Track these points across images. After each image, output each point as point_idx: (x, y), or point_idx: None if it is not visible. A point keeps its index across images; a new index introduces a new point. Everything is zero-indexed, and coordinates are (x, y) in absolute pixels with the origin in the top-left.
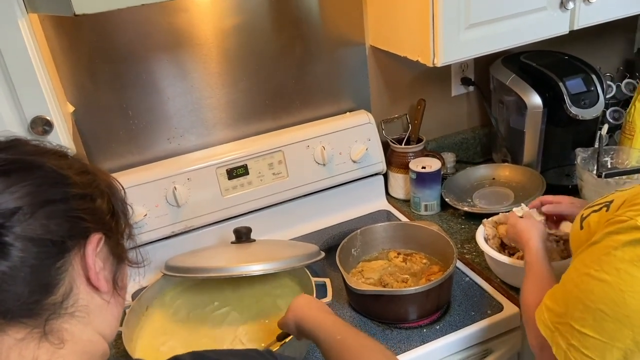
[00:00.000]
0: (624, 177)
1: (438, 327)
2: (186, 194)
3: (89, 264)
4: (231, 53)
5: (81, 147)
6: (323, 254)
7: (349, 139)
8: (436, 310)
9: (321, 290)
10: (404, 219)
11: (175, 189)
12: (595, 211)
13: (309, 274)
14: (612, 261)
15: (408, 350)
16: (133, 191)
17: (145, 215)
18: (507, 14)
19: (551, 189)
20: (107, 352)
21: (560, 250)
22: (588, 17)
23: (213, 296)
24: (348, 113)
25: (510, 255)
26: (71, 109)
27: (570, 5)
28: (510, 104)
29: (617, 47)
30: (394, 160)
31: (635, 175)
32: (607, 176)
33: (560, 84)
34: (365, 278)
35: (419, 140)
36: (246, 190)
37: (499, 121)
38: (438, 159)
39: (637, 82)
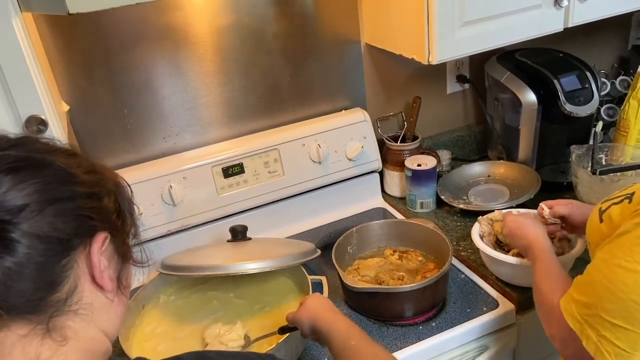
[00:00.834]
0: (618, 174)
1: (434, 324)
2: (182, 192)
3: (94, 263)
4: (226, 51)
5: (76, 147)
6: (319, 252)
7: (345, 136)
8: (432, 307)
9: (317, 288)
10: (399, 216)
11: (171, 187)
12: (615, 203)
13: (305, 271)
14: None
15: (404, 348)
16: None
17: (141, 214)
18: (501, 12)
19: (546, 186)
20: (109, 350)
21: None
22: (582, 14)
23: (209, 295)
24: (344, 111)
25: (506, 252)
26: (66, 108)
27: (565, 3)
28: (506, 102)
29: (611, 45)
30: (390, 158)
31: (630, 172)
32: (601, 173)
33: (555, 81)
34: (362, 276)
35: (415, 138)
36: (242, 188)
37: (494, 118)
38: (433, 156)
39: (632, 79)
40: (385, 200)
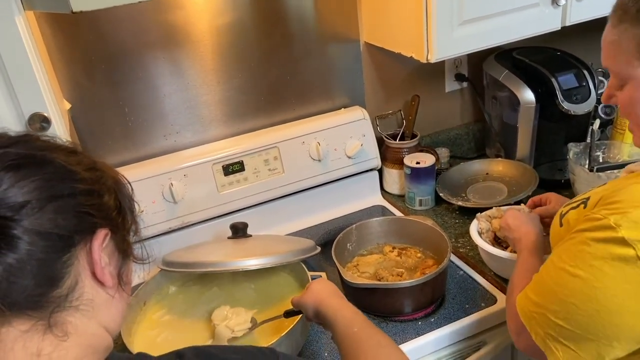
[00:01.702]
0: (615, 171)
1: (433, 319)
2: (182, 190)
3: (94, 259)
4: (227, 50)
5: (78, 144)
6: (319, 249)
7: (344, 134)
8: (431, 303)
9: None
10: (398, 214)
11: (172, 185)
12: (573, 208)
13: (305, 268)
14: (585, 258)
15: (403, 343)
16: None
17: (142, 211)
18: (500, 11)
19: (544, 184)
20: (110, 346)
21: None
22: (580, 13)
23: (210, 291)
24: (343, 109)
25: (504, 248)
26: (68, 106)
27: (562, 1)
28: (504, 100)
29: None
30: (389, 156)
31: None
32: (598, 170)
33: (553, 79)
34: (361, 272)
35: (414, 136)
36: (242, 186)
37: (492, 117)
38: (432, 154)
39: None
40: (385, 197)
